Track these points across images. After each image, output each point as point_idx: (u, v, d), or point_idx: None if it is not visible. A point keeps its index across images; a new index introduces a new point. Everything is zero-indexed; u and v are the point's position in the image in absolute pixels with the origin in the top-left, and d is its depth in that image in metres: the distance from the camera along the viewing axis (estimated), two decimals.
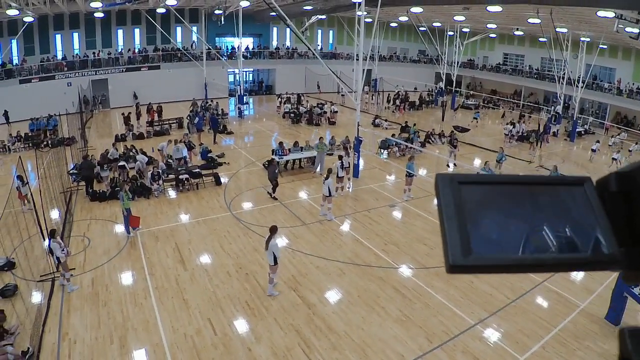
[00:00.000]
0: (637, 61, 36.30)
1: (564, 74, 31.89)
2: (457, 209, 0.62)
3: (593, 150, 26.68)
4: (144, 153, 19.87)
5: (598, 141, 27.42)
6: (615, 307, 10.50)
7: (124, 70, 35.96)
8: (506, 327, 10.38)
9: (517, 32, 40.21)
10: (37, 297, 10.95)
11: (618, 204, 0.67)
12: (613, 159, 24.77)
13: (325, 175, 16.04)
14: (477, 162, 24.00)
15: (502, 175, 0.69)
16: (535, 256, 0.62)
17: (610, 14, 20.78)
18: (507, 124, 30.68)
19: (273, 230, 10.90)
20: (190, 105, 31.22)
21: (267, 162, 20.93)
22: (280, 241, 11.52)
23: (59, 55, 34.42)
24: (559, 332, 10.20)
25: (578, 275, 12.86)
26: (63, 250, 10.98)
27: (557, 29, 29.08)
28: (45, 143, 24.26)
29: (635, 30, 20.57)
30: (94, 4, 28.36)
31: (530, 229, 0.64)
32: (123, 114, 27.51)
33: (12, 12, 25.12)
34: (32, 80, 31.24)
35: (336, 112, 33.28)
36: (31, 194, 14.53)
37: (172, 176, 18.05)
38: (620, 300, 10.42)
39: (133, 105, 32.26)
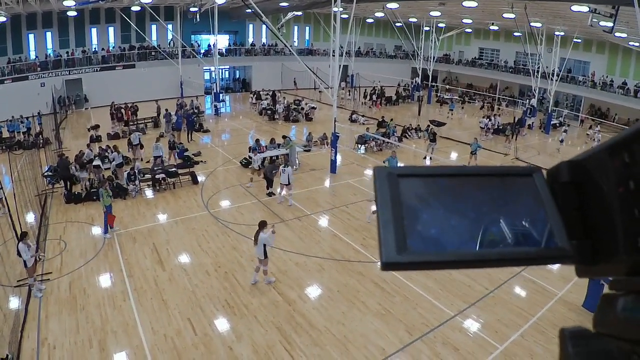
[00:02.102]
0: (611, 54, 37.00)
1: (539, 67, 32.35)
2: (393, 203, 0.59)
3: (561, 141, 27.13)
4: (118, 152, 19.61)
5: (565, 131, 27.85)
6: (593, 295, 10.67)
7: (99, 69, 35.40)
8: (485, 317, 10.53)
9: (492, 27, 40.69)
10: (14, 303, 10.75)
11: (569, 195, 0.64)
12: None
13: (284, 164, 16.45)
14: (454, 155, 24.25)
15: (445, 166, 0.65)
16: (477, 251, 0.58)
17: (584, 8, 21.11)
18: (482, 117, 31.00)
19: (262, 224, 11.03)
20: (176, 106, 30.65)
21: (244, 160, 20.93)
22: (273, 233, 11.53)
23: (32, 56, 33.76)
24: (537, 321, 10.38)
25: (555, 264, 13.03)
26: (32, 254, 10.76)
27: (532, 24, 29.44)
28: (18, 146, 23.76)
29: (609, 24, 20.89)
30: (66, 3, 27.80)
31: (474, 223, 0.60)
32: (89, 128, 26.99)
33: None
34: (5, 82, 30.55)
35: (314, 108, 33.28)
36: (5, 199, 14.26)
37: (148, 176, 17.85)
38: (597, 288, 10.59)
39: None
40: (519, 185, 0.64)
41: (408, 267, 0.56)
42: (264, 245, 10.93)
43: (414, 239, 0.57)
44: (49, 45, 34.71)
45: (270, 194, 17.31)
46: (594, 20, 22.46)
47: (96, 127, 26.26)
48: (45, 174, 18.13)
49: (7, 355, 8.74)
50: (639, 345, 0.49)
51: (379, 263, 0.56)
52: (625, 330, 0.52)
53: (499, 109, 36.59)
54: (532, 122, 33.16)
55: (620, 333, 0.53)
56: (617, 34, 25.34)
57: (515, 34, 35.96)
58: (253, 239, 11.15)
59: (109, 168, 18.84)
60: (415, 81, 43.40)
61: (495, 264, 0.60)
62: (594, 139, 28.05)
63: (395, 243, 0.56)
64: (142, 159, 20.37)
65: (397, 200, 0.60)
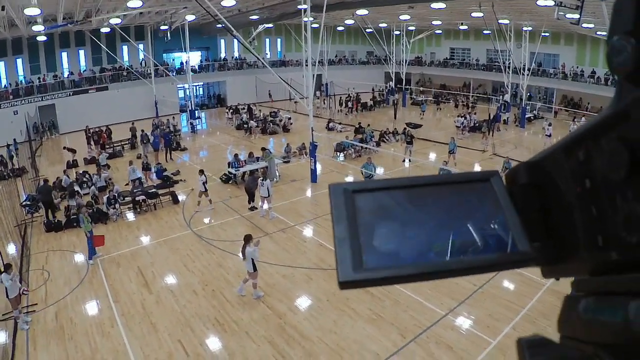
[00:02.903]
0: (580, 45, 37.72)
1: (510, 63, 32.85)
2: (349, 220, 0.58)
3: (548, 136, 26.69)
4: (99, 174, 19.46)
5: (550, 124, 27.46)
6: None
7: (71, 93, 35.02)
8: (476, 313, 10.62)
9: (462, 27, 41.20)
10: (1, 337, 10.53)
11: (528, 197, 0.63)
12: None
13: (263, 177, 16.45)
14: (433, 156, 24.46)
15: (400, 178, 0.63)
16: (436, 262, 0.57)
17: (550, 2, 21.46)
18: (458, 116, 31.33)
19: (247, 238, 11.00)
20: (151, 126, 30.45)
21: (224, 176, 20.85)
22: (258, 244, 11.49)
23: (3, 83, 33.28)
24: (528, 312, 10.50)
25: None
26: (15, 285, 10.57)
27: (500, 21, 29.97)
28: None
29: (576, 16, 21.24)
30: (35, 28, 27.56)
31: (432, 234, 0.58)
32: (65, 147, 26.71)
33: None
34: None
35: (289, 118, 33.32)
36: None
37: (128, 199, 17.67)
38: None
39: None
40: (477, 191, 0.63)
41: (365, 284, 0.55)
42: (252, 259, 10.91)
43: (370, 255, 0.55)
44: (20, 71, 34.26)
45: (252, 208, 17.24)
46: (560, 13, 22.83)
47: (73, 150, 26.00)
48: (24, 203, 17.82)
49: None
50: (601, 348, 0.48)
51: (337, 283, 0.55)
52: (587, 333, 0.52)
53: (473, 107, 36.86)
54: (507, 117, 33.61)
55: (583, 335, 0.53)
56: (584, 25, 25.83)
57: (485, 32, 36.47)
58: (241, 254, 11.12)
59: (88, 193, 18.64)
60: (389, 85, 43.72)
61: (457, 274, 0.58)
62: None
63: (351, 260, 0.55)
64: (106, 181, 20.05)
65: (352, 216, 0.58)
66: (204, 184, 17.06)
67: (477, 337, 9.76)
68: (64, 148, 26.58)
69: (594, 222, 0.54)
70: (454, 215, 0.60)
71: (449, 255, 0.57)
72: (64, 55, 36.15)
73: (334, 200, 0.61)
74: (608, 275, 0.53)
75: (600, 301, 0.52)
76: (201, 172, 17.37)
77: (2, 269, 10.60)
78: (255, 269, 11.04)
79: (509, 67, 33.07)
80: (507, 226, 0.60)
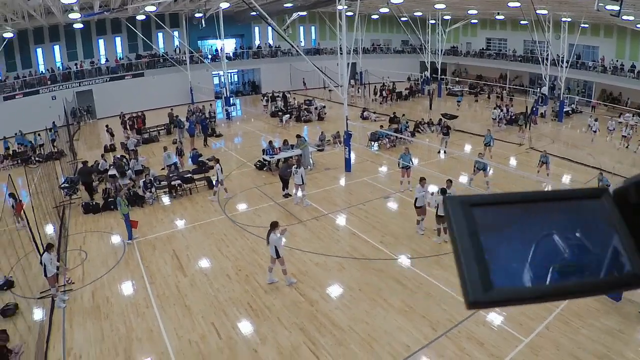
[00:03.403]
0: (620, 38, 36.47)
1: (548, 55, 32.02)
2: (471, 237, 0.58)
3: (594, 132, 25.69)
4: (137, 159, 19.79)
5: (597, 119, 26.35)
6: None
7: (108, 79, 35.71)
8: (509, 310, 10.38)
9: (498, 17, 40.30)
10: (38, 315, 10.86)
11: (639, 216, 0.61)
12: (623, 136, 24.85)
13: (297, 165, 16.42)
14: (468, 148, 24.10)
15: (514, 193, 0.63)
16: (558, 284, 0.57)
17: None
18: (494, 108, 30.75)
19: (273, 225, 11.00)
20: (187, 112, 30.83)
21: (258, 163, 20.98)
22: (284, 236, 11.52)
23: (41, 69, 34.10)
24: (561, 312, 10.24)
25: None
26: (56, 266, 10.87)
27: (538, 11, 29.13)
28: (33, 159, 24.05)
29: (616, 8, 20.56)
30: (72, 15, 28.10)
31: (550, 254, 0.59)
32: (107, 126, 27.31)
33: None
34: (16, 96, 30.95)
35: (324, 107, 33.31)
36: (24, 212, 14.41)
37: (164, 183, 17.95)
38: None
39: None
40: (589, 208, 0.63)
41: (495, 305, 0.56)
42: (276, 246, 10.97)
43: (496, 275, 0.56)
44: (58, 58, 35.08)
45: (286, 195, 17.31)
46: (600, 4, 22.13)
47: (112, 134, 26.65)
48: (62, 185, 18.29)
49: None
50: None
51: (465, 301, 0.54)
52: None
53: (510, 99, 36.02)
54: (545, 111, 32.83)
55: None
56: (624, 17, 24.92)
57: (522, 22, 35.61)
58: (265, 239, 11.18)
59: (126, 176, 19.02)
60: (425, 75, 43.20)
61: (576, 296, 0.59)
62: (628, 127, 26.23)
63: (480, 281, 0.55)
64: (142, 165, 20.35)
65: (474, 233, 0.58)
66: (219, 172, 17.17)
67: (509, 335, 9.60)
68: (107, 126, 27.15)
69: None
70: (569, 233, 0.60)
71: (569, 276, 0.58)
72: (101, 42, 36.90)
73: (453, 214, 0.60)
74: None
75: None
76: (217, 161, 17.45)
77: (44, 250, 10.87)
78: (278, 255, 11.04)
79: (547, 59, 32.25)
80: (622, 247, 0.59)
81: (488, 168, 17.73)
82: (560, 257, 0.58)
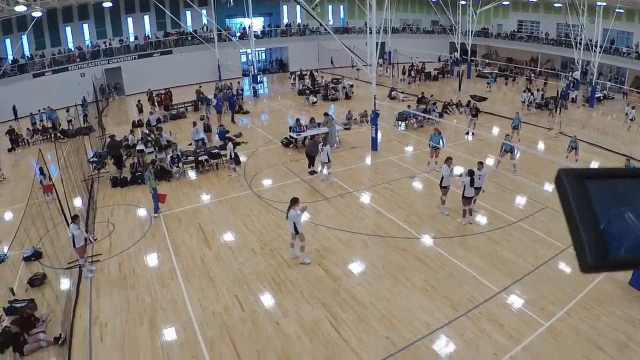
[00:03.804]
0: None
1: (581, 39, 31.15)
2: (587, 207, 0.61)
3: (631, 119, 24.72)
4: (161, 135, 20.02)
5: (634, 107, 25.29)
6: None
7: (137, 57, 36.02)
8: (530, 294, 10.35)
9: None
10: (65, 284, 11.16)
11: None
12: None
13: (323, 143, 16.42)
14: (496, 131, 23.74)
15: (629, 168, 0.66)
16: None
17: None
18: (523, 91, 30.14)
19: (293, 201, 11.04)
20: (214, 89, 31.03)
21: (285, 140, 21.07)
22: (304, 214, 11.54)
23: (70, 46, 34.54)
24: (582, 298, 10.12)
25: None
26: (81, 235, 11.10)
27: None
28: (63, 134, 24.50)
29: None
30: None
31: None
32: (138, 102, 27.64)
33: (20, 9, 25.00)
34: (46, 74, 31.46)
35: (351, 85, 33.08)
36: (53, 184, 14.73)
37: (191, 158, 18.14)
38: None
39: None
40: None
41: (612, 269, 0.61)
42: (295, 222, 10.97)
43: (612, 242, 0.60)
44: (87, 36, 35.47)
45: (312, 172, 17.36)
46: None
47: (141, 109, 27.01)
48: (91, 160, 18.63)
49: (60, 335, 9.09)
50: None
51: (580, 265, 0.61)
52: None
53: (545, 83, 35.08)
54: (576, 96, 32.05)
55: None
56: None
57: (556, 5, 34.72)
58: (286, 213, 11.21)
59: (152, 152, 19.27)
60: (454, 56, 42.53)
61: None
62: None
63: (596, 247, 0.59)
64: (168, 141, 20.56)
65: (589, 203, 0.62)
66: (232, 150, 17.37)
67: (530, 318, 9.53)
68: (138, 101, 27.56)
69: None
70: None
71: None
72: (130, 20, 37.15)
73: (569, 185, 0.63)
74: None
75: None
76: (230, 139, 17.49)
77: (71, 220, 11.12)
78: (297, 232, 11.07)
79: (580, 43, 31.36)
80: None
81: (515, 151, 17.47)
82: None
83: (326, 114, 21.22)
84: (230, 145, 17.41)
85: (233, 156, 17.47)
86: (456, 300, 10.11)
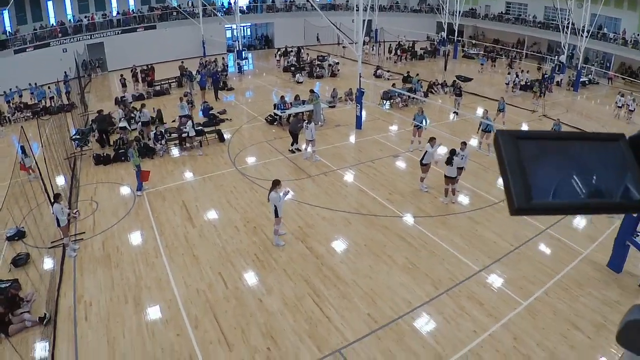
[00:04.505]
0: None
1: (569, 23, 31.21)
2: (517, 162, 0.72)
3: (631, 111, 24.28)
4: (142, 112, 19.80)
5: (623, 95, 25.08)
6: (618, 255, 10.64)
7: (120, 32, 35.34)
8: (510, 273, 10.58)
9: None
10: (49, 264, 11.11)
11: None
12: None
13: (307, 120, 16.37)
14: (480, 111, 23.84)
15: (553, 132, 0.79)
16: (581, 200, 0.72)
17: None
18: (508, 73, 30.26)
19: (275, 183, 10.94)
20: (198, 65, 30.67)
21: (269, 117, 20.99)
22: (286, 197, 11.55)
23: (52, 21, 33.77)
24: (561, 279, 10.38)
25: (581, 223, 12.99)
26: (67, 214, 11.04)
27: None
28: (45, 111, 24.04)
29: None
30: None
31: (579, 178, 0.73)
32: (121, 76, 27.26)
33: None
34: (27, 50, 30.74)
35: (337, 63, 32.96)
36: (36, 163, 14.56)
37: (175, 135, 18.03)
38: (622, 249, 10.56)
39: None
40: (610, 148, 0.78)
41: (533, 212, 0.70)
42: (275, 205, 10.91)
43: (535, 191, 0.70)
44: (69, 11, 34.67)
45: (294, 150, 17.39)
46: None
47: (125, 85, 26.75)
48: (73, 137, 18.40)
49: (45, 314, 9.09)
50: None
51: (509, 209, 0.69)
52: None
53: (539, 68, 35.15)
54: (561, 79, 32.24)
55: None
56: None
57: None
58: (267, 196, 11.17)
59: (136, 129, 19.11)
60: (441, 36, 42.40)
61: (597, 212, 0.74)
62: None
63: (523, 193, 0.69)
64: (151, 117, 20.31)
65: (519, 158, 0.73)
66: (192, 128, 17.42)
67: (509, 297, 9.77)
68: (121, 75, 27.22)
69: None
70: (591, 164, 0.76)
71: (591, 196, 0.73)
72: None
73: (504, 144, 0.74)
74: None
75: None
76: (189, 117, 17.51)
77: (53, 200, 11.01)
78: (277, 215, 11.04)
79: (567, 27, 31.43)
80: (633, 180, 0.75)
81: (492, 130, 17.60)
82: (587, 182, 0.73)
83: (312, 92, 21.15)
84: (189, 122, 17.33)
85: (193, 134, 17.42)
86: (437, 278, 10.30)
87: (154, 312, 9.23)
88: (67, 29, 33.22)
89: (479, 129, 17.92)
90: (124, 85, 26.78)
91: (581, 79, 31.65)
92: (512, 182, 0.70)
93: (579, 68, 31.41)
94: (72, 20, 34.35)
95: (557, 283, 10.25)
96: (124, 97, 23.98)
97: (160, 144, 17.33)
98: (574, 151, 0.76)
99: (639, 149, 0.78)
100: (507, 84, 28.84)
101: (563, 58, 33.08)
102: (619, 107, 24.88)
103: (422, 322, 9.02)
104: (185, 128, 17.54)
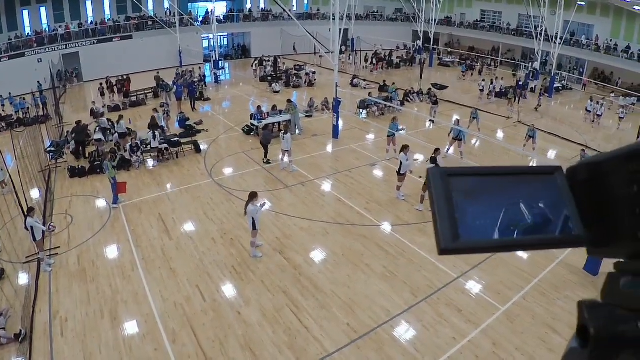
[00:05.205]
0: (616, 18, 36.21)
1: (542, 30, 31.84)
2: (446, 199, 0.70)
3: (599, 115, 25.03)
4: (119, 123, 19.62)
5: (603, 105, 25.57)
6: (593, 259, 10.73)
7: (95, 42, 35.00)
8: (487, 279, 10.68)
9: None
10: (24, 279, 10.89)
11: (585, 191, 0.75)
12: (620, 117, 24.85)
13: (284, 131, 16.38)
14: (457, 118, 24.13)
15: (486, 167, 0.76)
16: (513, 238, 0.71)
17: None
18: (482, 80, 30.71)
19: (252, 195, 10.89)
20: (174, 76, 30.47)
21: (246, 127, 20.95)
22: (263, 209, 11.54)
23: (27, 31, 33.31)
24: (539, 283, 10.53)
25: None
26: (44, 228, 10.88)
27: None
28: (19, 123, 23.60)
29: None
30: None
31: (509, 214, 0.72)
32: (100, 85, 27.00)
33: None
34: (2, 60, 30.28)
35: (314, 72, 33.07)
36: (10, 176, 14.29)
37: (151, 146, 17.88)
38: None
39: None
40: (545, 182, 0.77)
41: (460, 252, 0.68)
42: (253, 218, 10.88)
43: (464, 229, 0.69)
44: (44, 20, 34.24)
45: (267, 162, 17.32)
46: None
47: (102, 93, 26.39)
48: (48, 149, 18.13)
49: (20, 331, 8.91)
50: (637, 312, 0.63)
51: (437, 249, 0.67)
52: (626, 302, 0.65)
53: (514, 74, 35.75)
54: (535, 86, 32.82)
55: (623, 303, 0.66)
56: None
57: None
58: (244, 209, 11.10)
59: (112, 140, 18.92)
60: (417, 44, 42.88)
61: (527, 249, 0.75)
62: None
63: (450, 233, 0.68)
64: (128, 129, 20.15)
65: (449, 196, 0.71)
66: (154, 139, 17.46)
67: (487, 303, 9.87)
68: (100, 84, 26.98)
69: (636, 220, 0.67)
70: (525, 200, 0.74)
71: (522, 233, 0.72)
72: (89, 4, 35.97)
73: (433, 181, 0.73)
74: None
75: (636, 279, 0.66)
76: (161, 128, 17.61)
77: (27, 213, 10.83)
78: (254, 227, 11.01)
79: (541, 34, 32.08)
80: (567, 213, 0.74)
81: (465, 138, 17.83)
82: (517, 218, 0.72)
83: (289, 101, 21.17)
84: (150, 133, 17.53)
85: (155, 145, 17.44)
86: (415, 286, 10.35)
87: (130, 327, 9.10)
88: (42, 39, 32.79)
89: (449, 133, 18.13)
90: (102, 94, 26.52)
91: (555, 85, 32.27)
92: (440, 221, 0.69)
93: (552, 74, 32.03)
94: (47, 29, 33.91)
95: (534, 287, 10.39)
96: (95, 109, 23.66)
97: (137, 155, 17.17)
98: (508, 187, 0.75)
99: (577, 180, 0.77)
100: (482, 90, 29.22)
101: (537, 65, 33.70)
102: (588, 111, 25.51)
103: (402, 330, 9.05)
104: (147, 140, 17.46)
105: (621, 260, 0.71)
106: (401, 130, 18.23)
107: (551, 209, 0.74)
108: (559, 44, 31.01)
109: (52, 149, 17.92)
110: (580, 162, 0.78)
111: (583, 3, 34.58)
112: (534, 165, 0.83)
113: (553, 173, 0.78)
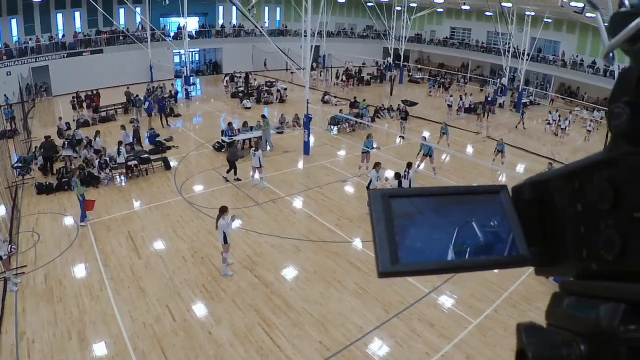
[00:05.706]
0: (581, 34, 37.44)
1: (510, 47, 32.67)
2: (386, 222, 0.70)
3: (563, 129, 26.02)
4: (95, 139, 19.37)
5: (567, 118, 26.64)
6: None
7: (65, 55, 34.52)
8: (459, 293, 10.82)
9: (464, 7, 40.68)
10: None
11: (530, 210, 0.76)
12: (588, 130, 25.82)
13: (255, 147, 16.46)
14: (426, 135, 24.47)
15: (428, 188, 0.76)
16: (455, 260, 0.70)
17: None
18: (450, 96, 31.27)
19: (222, 210, 10.94)
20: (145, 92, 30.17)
21: (217, 144, 20.86)
22: (234, 222, 11.52)
23: None
24: (509, 295, 10.73)
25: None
26: (7, 248, 10.63)
27: (503, 4, 29.71)
28: None
29: (580, 5, 21.15)
30: None
31: (451, 236, 0.71)
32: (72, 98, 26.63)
33: None
34: None
35: (285, 89, 33.16)
36: None
37: (120, 163, 17.66)
38: None
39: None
40: (489, 201, 0.76)
41: (399, 275, 0.67)
42: (224, 232, 10.90)
43: (403, 252, 0.68)
44: (14, 32, 33.66)
45: (236, 179, 17.20)
46: (564, 0, 22.73)
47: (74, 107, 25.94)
48: (15, 165, 17.75)
49: None
50: (579, 336, 0.60)
51: (377, 272, 0.67)
52: (568, 323, 0.64)
53: (481, 90, 36.61)
54: (503, 101, 33.58)
55: (565, 325, 0.64)
56: (587, 14, 25.57)
57: (487, 13, 36.23)
58: (215, 223, 11.12)
59: (80, 156, 18.62)
60: (387, 61, 43.47)
61: (470, 270, 0.72)
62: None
63: (389, 255, 0.67)
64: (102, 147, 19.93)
65: (389, 219, 0.70)
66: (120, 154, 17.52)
67: (459, 316, 9.99)
68: (73, 97, 26.83)
69: (581, 238, 0.67)
70: (469, 220, 0.73)
71: (464, 255, 0.71)
72: (59, 16, 35.48)
73: (374, 204, 0.72)
74: (588, 281, 0.66)
75: (580, 300, 0.64)
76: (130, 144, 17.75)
77: None
78: (225, 241, 11.00)
79: (508, 51, 32.92)
80: (511, 233, 0.73)
81: (434, 153, 18.13)
82: (460, 240, 0.70)
83: (263, 117, 21.17)
84: (116, 149, 17.56)
85: (122, 161, 17.40)
86: (387, 302, 10.42)
87: (99, 348, 8.90)
88: (12, 51, 32.20)
89: (419, 153, 18.40)
90: (74, 108, 26.13)
91: (523, 100, 33.07)
92: (379, 244, 0.68)
93: (520, 90, 32.82)
94: (17, 42, 33.32)
95: (505, 300, 10.58)
96: (59, 125, 23.30)
97: (105, 172, 16.93)
98: (453, 208, 0.74)
99: (522, 199, 0.76)
100: (449, 106, 29.73)
101: (505, 80, 34.50)
102: (548, 124, 26.34)
103: (375, 347, 9.08)
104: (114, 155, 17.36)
105: (566, 280, 0.71)
106: (376, 147, 18.45)
107: (497, 229, 0.73)
108: (527, 60, 31.89)
109: (19, 164, 17.54)
110: (525, 181, 0.78)
111: (549, 20, 35.62)
112: (488, 184, 0.82)
113: (498, 192, 0.77)
